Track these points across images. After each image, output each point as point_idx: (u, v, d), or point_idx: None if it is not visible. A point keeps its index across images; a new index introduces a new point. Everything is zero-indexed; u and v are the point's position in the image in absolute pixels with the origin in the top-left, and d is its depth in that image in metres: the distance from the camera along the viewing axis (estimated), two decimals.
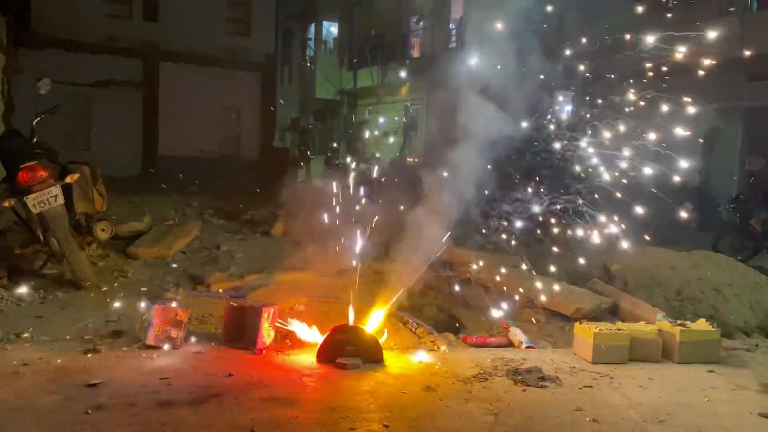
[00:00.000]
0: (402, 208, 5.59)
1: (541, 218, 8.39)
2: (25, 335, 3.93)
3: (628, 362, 3.96)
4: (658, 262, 5.63)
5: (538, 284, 5.55)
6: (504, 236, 8.10)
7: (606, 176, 6.88)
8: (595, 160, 7.22)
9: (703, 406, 3.36)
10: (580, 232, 6.51)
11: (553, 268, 6.10)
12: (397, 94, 22.18)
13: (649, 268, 5.59)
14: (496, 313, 5.00)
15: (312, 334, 4.01)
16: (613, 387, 3.55)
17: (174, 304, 3.94)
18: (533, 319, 5.14)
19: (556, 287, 5.63)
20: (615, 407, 3.24)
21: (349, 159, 21.07)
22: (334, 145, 26.13)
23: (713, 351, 4.13)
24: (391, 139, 24.29)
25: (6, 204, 5.00)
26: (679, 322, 4.35)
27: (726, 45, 12.14)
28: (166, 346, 3.73)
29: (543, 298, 5.34)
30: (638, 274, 5.59)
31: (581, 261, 6.20)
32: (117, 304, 4.69)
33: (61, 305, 4.73)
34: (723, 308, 5.16)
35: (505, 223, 8.40)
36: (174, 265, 6.29)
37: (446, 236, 5.02)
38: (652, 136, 6.14)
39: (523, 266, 6.38)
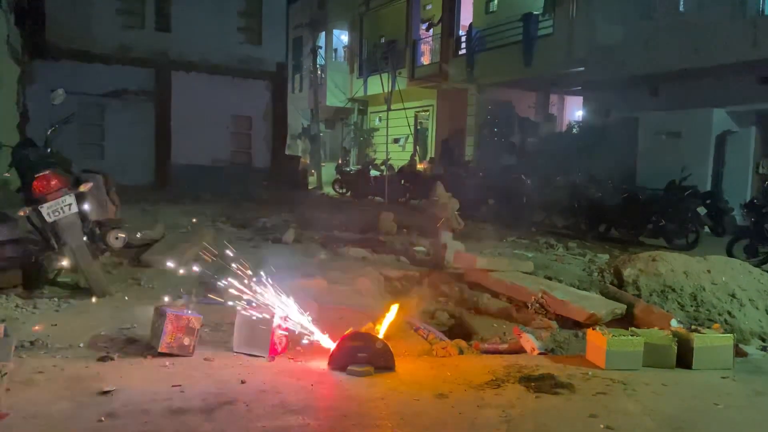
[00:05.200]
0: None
1: None
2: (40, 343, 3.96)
3: (642, 368, 3.92)
4: (672, 267, 5.57)
5: (551, 290, 5.51)
6: None
7: None
8: None
9: (721, 413, 3.31)
10: None
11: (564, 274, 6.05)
12: (407, 100, 22.23)
13: (662, 272, 5.53)
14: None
15: (324, 341, 4.01)
16: (627, 393, 3.51)
17: (186, 312, 3.95)
18: (546, 326, 5.11)
19: (569, 293, 5.59)
20: (629, 414, 3.21)
21: (360, 166, 21.19)
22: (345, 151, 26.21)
23: (728, 357, 4.08)
24: (401, 146, 24.35)
25: (21, 213, 5.07)
26: (693, 327, 4.30)
27: (738, 47, 12.11)
28: (178, 354, 3.74)
29: (555, 304, 5.30)
30: (651, 279, 5.53)
31: (593, 266, 6.15)
32: (130, 312, 4.72)
33: (75, 313, 4.77)
34: (738, 313, 5.10)
35: None
36: (186, 273, 6.30)
37: None
38: None
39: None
